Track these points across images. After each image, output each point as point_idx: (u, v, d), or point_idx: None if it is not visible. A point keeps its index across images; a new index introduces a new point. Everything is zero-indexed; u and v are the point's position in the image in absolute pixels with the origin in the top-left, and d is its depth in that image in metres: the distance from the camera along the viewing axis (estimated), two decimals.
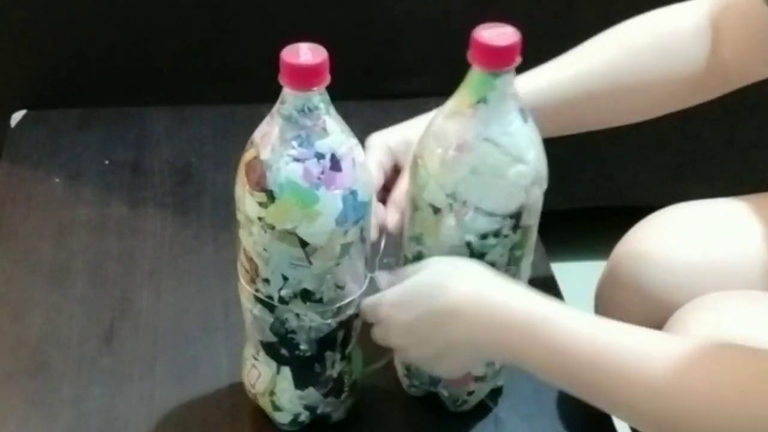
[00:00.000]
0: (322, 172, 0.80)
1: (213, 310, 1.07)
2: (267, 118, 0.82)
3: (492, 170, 0.82)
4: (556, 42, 1.47)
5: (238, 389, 0.97)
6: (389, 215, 0.92)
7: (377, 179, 0.92)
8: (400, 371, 0.96)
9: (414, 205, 0.86)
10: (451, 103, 0.84)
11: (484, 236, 0.84)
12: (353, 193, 0.82)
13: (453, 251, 0.85)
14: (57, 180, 1.26)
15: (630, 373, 0.76)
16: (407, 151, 0.91)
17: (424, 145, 0.85)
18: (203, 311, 1.08)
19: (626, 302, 1.01)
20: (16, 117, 1.38)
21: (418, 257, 0.88)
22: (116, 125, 1.36)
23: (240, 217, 0.84)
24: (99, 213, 1.21)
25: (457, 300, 0.82)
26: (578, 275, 1.22)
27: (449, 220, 0.84)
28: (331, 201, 0.81)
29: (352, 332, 0.90)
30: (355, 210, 0.82)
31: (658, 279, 0.98)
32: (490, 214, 0.83)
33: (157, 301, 1.09)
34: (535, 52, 1.46)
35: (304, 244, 0.81)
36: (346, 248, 0.83)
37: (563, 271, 1.19)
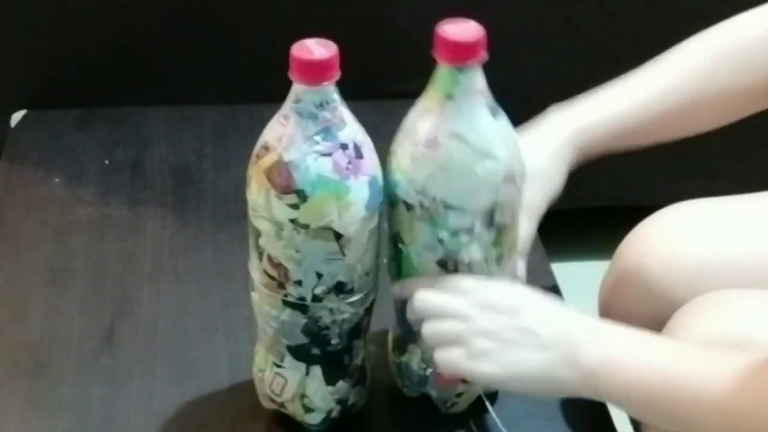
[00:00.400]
0: (349, 162, 0.81)
1: (213, 310, 1.07)
2: (278, 119, 0.82)
3: (460, 166, 0.82)
4: (556, 41, 1.47)
5: (238, 389, 0.97)
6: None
7: None
8: (393, 370, 0.96)
9: (390, 203, 0.86)
10: (422, 101, 0.84)
11: (455, 233, 0.84)
12: (375, 177, 0.83)
13: (427, 248, 0.85)
14: (57, 180, 1.26)
15: (700, 396, 0.77)
16: None
17: (397, 142, 0.85)
18: (203, 311, 1.08)
19: (631, 300, 1.01)
20: (16, 117, 1.38)
21: (398, 255, 0.88)
22: (116, 125, 1.36)
23: (261, 224, 0.83)
24: (99, 213, 1.21)
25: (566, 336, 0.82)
26: (578, 275, 1.22)
27: (421, 217, 0.84)
28: (360, 189, 0.82)
29: (371, 317, 0.90)
30: (378, 194, 0.84)
31: (663, 277, 0.98)
32: (461, 211, 0.83)
33: (157, 301, 1.09)
34: (535, 50, 1.47)
35: (338, 236, 0.82)
36: (372, 233, 0.85)
37: (563, 271, 1.19)
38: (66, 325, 1.06)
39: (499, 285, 0.86)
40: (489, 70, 1.55)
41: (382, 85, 1.35)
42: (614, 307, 1.04)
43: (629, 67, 1.51)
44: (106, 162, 1.30)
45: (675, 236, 1.00)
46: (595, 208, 1.60)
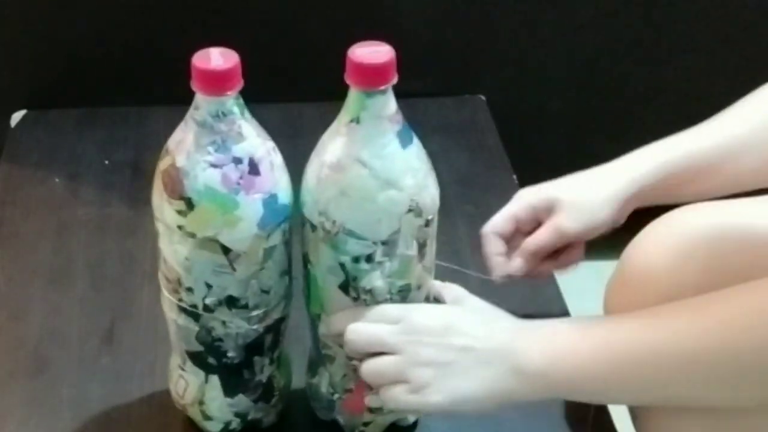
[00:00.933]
0: (241, 177, 0.79)
1: None
2: (181, 125, 0.81)
3: (361, 193, 0.80)
4: (556, 42, 1.47)
5: None
6: (514, 260, 0.98)
7: (502, 227, 0.99)
8: (307, 392, 0.94)
9: (300, 222, 0.84)
10: (335, 122, 0.82)
11: (356, 260, 0.82)
12: (273, 196, 0.81)
13: (330, 272, 0.83)
14: (57, 180, 1.26)
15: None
16: (549, 209, 0.97)
17: (309, 162, 0.83)
18: None
19: (639, 305, 1.00)
20: (16, 117, 1.38)
21: (307, 275, 0.86)
22: (116, 125, 1.36)
23: (159, 226, 0.83)
24: (99, 213, 1.21)
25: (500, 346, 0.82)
26: (579, 275, 1.21)
27: (324, 239, 0.82)
28: (251, 206, 0.80)
29: (279, 336, 0.89)
30: (276, 213, 0.82)
31: (672, 281, 0.97)
32: (359, 238, 0.81)
33: (157, 301, 1.08)
34: (535, 50, 1.47)
35: (226, 250, 0.80)
36: (269, 252, 0.82)
37: None
38: (66, 325, 1.06)
39: (424, 307, 0.86)
40: (488, 70, 1.56)
41: None
42: (619, 310, 1.03)
43: (628, 68, 1.51)
44: (106, 162, 1.30)
45: (684, 240, 0.99)
46: None
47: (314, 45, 1.39)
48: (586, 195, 0.98)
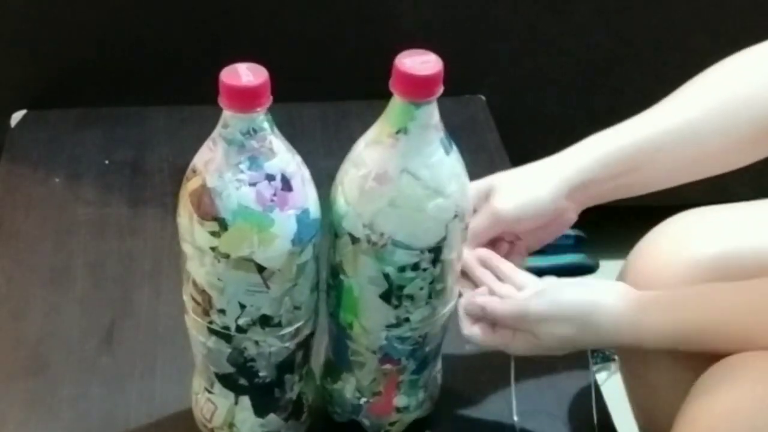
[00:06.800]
0: (275, 194, 0.78)
1: None
2: (208, 143, 0.80)
3: (411, 203, 0.79)
4: (556, 42, 1.47)
5: None
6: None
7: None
8: (324, 396, 0.94)
9: (334, 233, 0.84)
10: (373, 131, 0.80)
11: (402, 269, 0.81)
12: (305, 211, 0.80)
13: (371, 282, 0.83)
14: (57, 180, 1.26)
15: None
16: (487, 195, 0.94)
17: (344, 172, 0.82)
18: None
19: None
20: (16, 117, 1.38)
21: (339, 285, 0.85)
22: (116, 125, 1.36)
23: (187, 248, 0.82)
24: (99, 213, 1.21)
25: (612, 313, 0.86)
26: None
27: (367, 251, 0.81)
28: (285, 222, 0.79)
29: (309, 352, 0.89)
30: (308, 228, 0.80)
31: (675, 283, 0.97)
32: (408, 248, 0.80)
33: (157, 301, 1.09)
34: (535, 51, 1.47)
35: (261, 269, 0.79)
36: (301, 268, 0.81)
37: None
38: (66, 325, 1.06)
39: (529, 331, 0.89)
40: (488, 70, 1.56)
41: (382, 86, 1.35)
42: None
43: (628, 68, 1.51)
44: (106, 162, 1.30)
45: (689, 242, 0.98)
46: (595, 208, 1.60)
47: (314, 45, 1.39)
48: (524, 178, 0.96)
